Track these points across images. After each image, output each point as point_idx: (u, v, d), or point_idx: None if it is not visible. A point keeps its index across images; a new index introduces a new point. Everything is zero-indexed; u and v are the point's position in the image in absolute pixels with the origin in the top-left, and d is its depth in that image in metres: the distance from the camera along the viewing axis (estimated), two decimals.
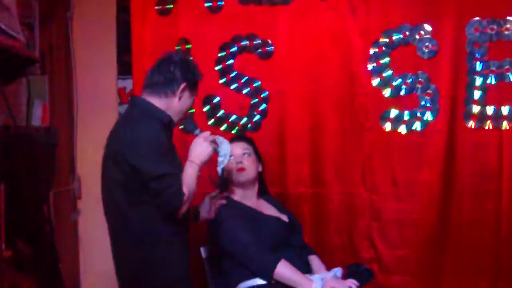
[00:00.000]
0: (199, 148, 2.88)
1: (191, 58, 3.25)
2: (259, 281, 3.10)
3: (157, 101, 2.89)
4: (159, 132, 2.79)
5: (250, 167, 3.40)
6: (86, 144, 4.34)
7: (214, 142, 2.98)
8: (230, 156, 3.21)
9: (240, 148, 3.42)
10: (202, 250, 3.41)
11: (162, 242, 2.83)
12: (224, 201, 3.29)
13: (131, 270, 2.88)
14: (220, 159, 3.08)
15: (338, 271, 3.28)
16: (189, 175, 2.79)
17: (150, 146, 2.72)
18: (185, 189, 2.72)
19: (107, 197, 2.92)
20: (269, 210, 3.45)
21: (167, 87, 2.89)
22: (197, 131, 3.05)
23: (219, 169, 3.10)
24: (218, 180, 3.17)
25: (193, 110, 3.92)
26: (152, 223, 2.80)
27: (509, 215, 3.89)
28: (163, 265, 2.83)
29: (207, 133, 2.97)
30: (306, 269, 3.27)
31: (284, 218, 3.44)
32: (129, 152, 2.72)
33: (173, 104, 2.90)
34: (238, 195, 3.38)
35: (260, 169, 3.52)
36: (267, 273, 3.05)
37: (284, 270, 3.05)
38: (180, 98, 2.90)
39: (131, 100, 3.17)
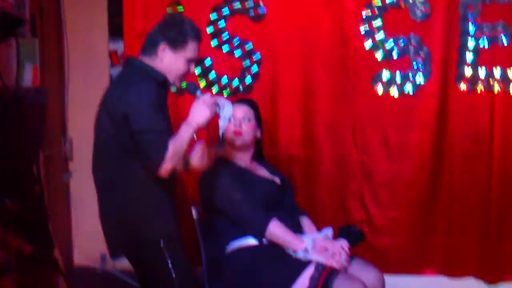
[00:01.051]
0: (196, 111, 2.84)
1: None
2: (250, 240, 3.12)
3: (149, 61, 2.90)
4: (155, 90, 2.79)
5: (247, 133, 3.36)
6: (77, 107, 4.35)
7: (216, 104, 2.92)
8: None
9: (241, 111, 3.35)
10: (193, 209, 3.41)
11: (149, 198, 2.86)
12: (217, 150, 3.27)
13: (117, 223, 2.90)
14: (221, 122, 3.01)
15: (328, 231, 3.30)
16: (180, 136, 2.77)
17: (145, 102, 2.72)
18: (171, 147, 2.69)
19: (98, 151, 2.94)
20: (261, 171, 3.45)
21: (152, 47, 2.89)
22: (198, 93, 2.99)
23: (220, 131, 3.05)
24: (219, 143, 3.14)
25: None
26: (140, 179, 2.82)
27: (499, 178, 3.91)
28: (149, 221, 2.86)
29: (207, 96, 2.92)
30: (298, 229, 3.28)
31: (277, 180, 3.44)
32: (124, 105, 2.73)
33: (159, 64, 2.89)
34: (231, 155, 3.37)
35: (258, 135, 3.49)
36: (259, 231, 3.07)
37: (275, 229, 3.07)
38: (162, 59, 2.88)
39: (126, 61, 3.13)
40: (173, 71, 2.92)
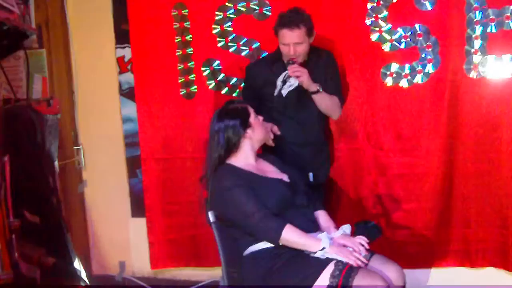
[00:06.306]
0: None
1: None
2: (268, 244, 3.09)
3: None
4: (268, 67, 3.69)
5: None
6: (88, 116, 4.35)
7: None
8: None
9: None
10: (209, 214, 3.38)
11: None
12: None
13: None
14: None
15: (347, 228, 3.25)
16: None
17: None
18: None
19: None
20: (270, 172, 3.39)
21: None
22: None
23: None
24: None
25: (194, 75, 3.94)
26: None
27: None
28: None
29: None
30: (314, 227, 3.24)
31: (285, 178, 3.38)
32: None
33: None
34: (241, 160, 3.31)
35: None
36: (273, 241, 3.04)
37: (289, 235, 3.01)
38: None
39: None
40: (283, 53, 3.61)
